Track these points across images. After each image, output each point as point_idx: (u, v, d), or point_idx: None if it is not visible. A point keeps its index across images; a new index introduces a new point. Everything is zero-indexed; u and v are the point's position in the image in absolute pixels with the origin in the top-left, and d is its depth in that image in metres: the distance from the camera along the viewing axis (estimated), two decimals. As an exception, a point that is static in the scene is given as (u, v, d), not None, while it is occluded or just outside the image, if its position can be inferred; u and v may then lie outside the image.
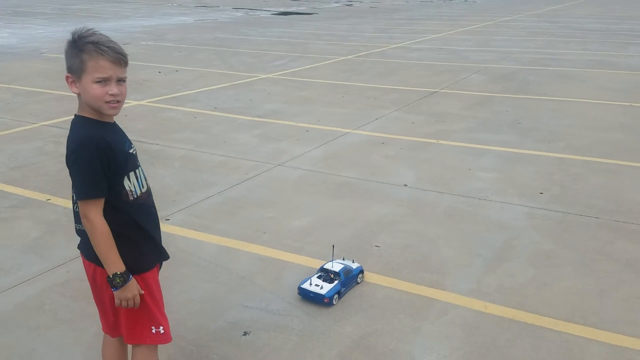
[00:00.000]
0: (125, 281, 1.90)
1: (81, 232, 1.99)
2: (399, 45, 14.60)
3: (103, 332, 2.21)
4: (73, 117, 1.91)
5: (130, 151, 1.94)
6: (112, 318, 2.09)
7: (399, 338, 2.77)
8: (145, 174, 2.05)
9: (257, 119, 7.12)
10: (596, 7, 31.18)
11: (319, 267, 3.26)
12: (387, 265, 3.46)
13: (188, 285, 3.28)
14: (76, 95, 1.88)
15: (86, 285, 2.13)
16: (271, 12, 26.75)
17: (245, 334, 2.84)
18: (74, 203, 1.96)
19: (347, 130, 6.42)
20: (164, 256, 2.12)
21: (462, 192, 4.60)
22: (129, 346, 2.17)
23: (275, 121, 6.98)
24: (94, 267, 1.99)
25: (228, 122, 6.97)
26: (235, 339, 2.80)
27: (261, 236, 3.90)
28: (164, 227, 2.38)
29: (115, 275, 1.88)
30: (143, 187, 1.97)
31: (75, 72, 1.83)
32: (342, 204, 4.43)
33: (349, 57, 12.53)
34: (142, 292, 1.98)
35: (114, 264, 1.88)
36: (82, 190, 1.84)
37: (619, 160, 5.34)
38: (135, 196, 1.94)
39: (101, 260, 1.89)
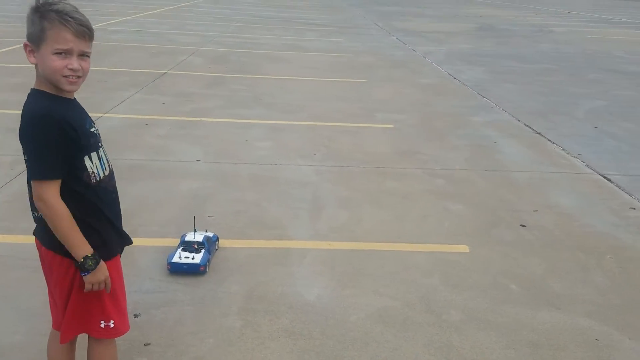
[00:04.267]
0: (97, 263, 1.81)
1: (39, 220, 1.78)
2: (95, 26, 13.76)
3: (52, 329, 1.99)
4: (30, 90, 1.70)
5: (92, 130, 1.82)
6: (63, 312, 1.92)
7: (281, 284, 3.12)
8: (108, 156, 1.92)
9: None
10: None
11: (180, 241, 3.32)
12: (231, 230, 3.70)
13: (31, 290, 2.90)
14: (34, 66, 1.68)
15: None
16: None
17: (136, 316, 2.78)
18: (30, 185, 1.74)
19: (98, 114, 6.08)
20: (127, 241, 2.04)
21: (253, 161, 5.04)
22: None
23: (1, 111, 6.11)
24: (52, 255, 1.81)
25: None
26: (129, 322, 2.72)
27: (81, 228, 3.63)
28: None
29: (86, 258, 1.77)
30: (106, 170, 1.87)
31: (34, 40, 1.68)
32: (148, 186, 4.39)
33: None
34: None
35: (81, 246, 1.77)
36: (38, 170, 1.70)
37: (351, 123, 6.54)
38: (98, 179, 1.83)
39: (66, 244, 1.76)
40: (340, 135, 5.98)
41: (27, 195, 1.80)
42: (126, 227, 3.70)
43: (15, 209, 3.79)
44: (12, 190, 4.15)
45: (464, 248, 3.64)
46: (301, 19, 20.81)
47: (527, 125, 6.69)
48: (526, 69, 10.97)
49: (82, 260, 1.77)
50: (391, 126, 6.46)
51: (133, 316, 2.76)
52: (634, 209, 4.37)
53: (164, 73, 8.82)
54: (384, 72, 9.98)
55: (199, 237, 3.31)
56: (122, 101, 6.90)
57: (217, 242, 3.44)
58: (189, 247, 3.25)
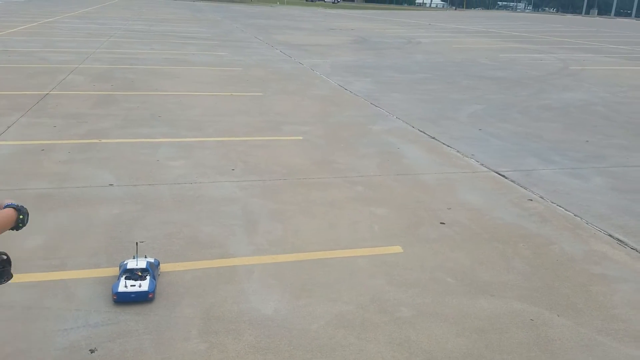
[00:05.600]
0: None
1: None
2: (-51, 45, 12.44)
3: None
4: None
5: None
6: None
7: (235, 302, 3.09)
8: None
9: None
10: (124, 10, 33.18)
11: (121, 270, 3.16)
12: (168, 254, 3.59)
13: None
14: None
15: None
16: None
17: (92, 351, 2.62)
18: None
19: (-13, 142, 5.56)
20: None
21: (171, 181, 4.90)
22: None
23: None
24: None
25: None
26: (86, 358, 2.55)
27: None
28: None
29: (24, 216, 1.78)
30: None
31: None
32: (63, 215, 4.10)
33: None
34: None
35: (10, 215, 1.75)
36: None
37: (261, 137, 6.57)
38: None
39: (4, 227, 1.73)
40: (254, 150, 6.00)
41: None
42: (52, 261, 3.52)
43: None
44: None
45: (397, 249, 3.85)
46: (176, 32, 20.37)
47: (421, 131, 7.18)
48: (407, 78, 11.71)
49: (21, 218, 1.76)
50: (300, 138, 6.60)
51: (89, 351, 2.61)
52: (532, 200, 4.90)
53: (47, 94, 8.22)
54: (277, 85, 10.12)
55: (141, 263, 3.18)
56: (8, 127, 6.34)
57: (158, 267, 3.33)
58: (132, 274, 3.11)
